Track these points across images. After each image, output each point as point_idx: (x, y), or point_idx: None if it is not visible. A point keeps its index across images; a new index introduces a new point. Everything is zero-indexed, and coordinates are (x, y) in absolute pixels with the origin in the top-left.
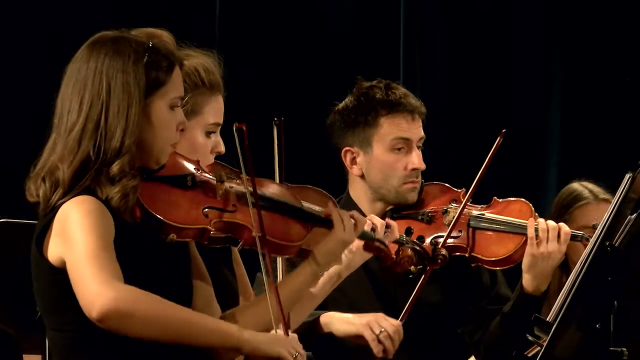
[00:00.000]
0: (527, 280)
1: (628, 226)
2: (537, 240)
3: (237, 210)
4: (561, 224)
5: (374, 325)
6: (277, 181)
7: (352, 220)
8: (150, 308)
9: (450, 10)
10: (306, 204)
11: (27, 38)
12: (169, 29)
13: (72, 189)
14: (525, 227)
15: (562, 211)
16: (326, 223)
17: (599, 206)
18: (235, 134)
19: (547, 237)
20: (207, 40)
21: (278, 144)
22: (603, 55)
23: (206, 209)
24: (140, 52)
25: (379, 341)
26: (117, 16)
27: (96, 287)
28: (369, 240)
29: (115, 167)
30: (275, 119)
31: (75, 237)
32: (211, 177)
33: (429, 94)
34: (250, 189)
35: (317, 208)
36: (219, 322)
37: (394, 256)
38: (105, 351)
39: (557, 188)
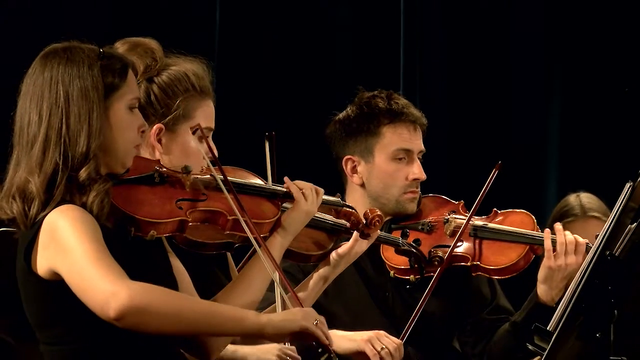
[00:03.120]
0: (542, 291)
1: (629, 235)
2: (554, 253)
3: (208, 198)
4: (576, 235)
5: (375, 342)
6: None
7: (314, 192)
8: (166, 301)
9: (450, 21)
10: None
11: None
12: (169, 42)
13: (48, 200)
14: (534, 238)
15: (552, 223)
16: (291, 197)
17: (585, 223)
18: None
19: (565, 250)
20: (207, 52)
21: (270, 158)
22: (602, 65)
23: (179, 202)
24: (93, 57)
25: (381, 358)
26: (116, 28)
27: (109, 287)
28: (337, 206)
29: (83, 173)
30: (267, 133)
31: (70, 244)
32: (176, 170)
33: (428, 106)
34: (217, 176)
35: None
36: (235, 309)
37: (364, 219)
38: None
39: (556, 200)
